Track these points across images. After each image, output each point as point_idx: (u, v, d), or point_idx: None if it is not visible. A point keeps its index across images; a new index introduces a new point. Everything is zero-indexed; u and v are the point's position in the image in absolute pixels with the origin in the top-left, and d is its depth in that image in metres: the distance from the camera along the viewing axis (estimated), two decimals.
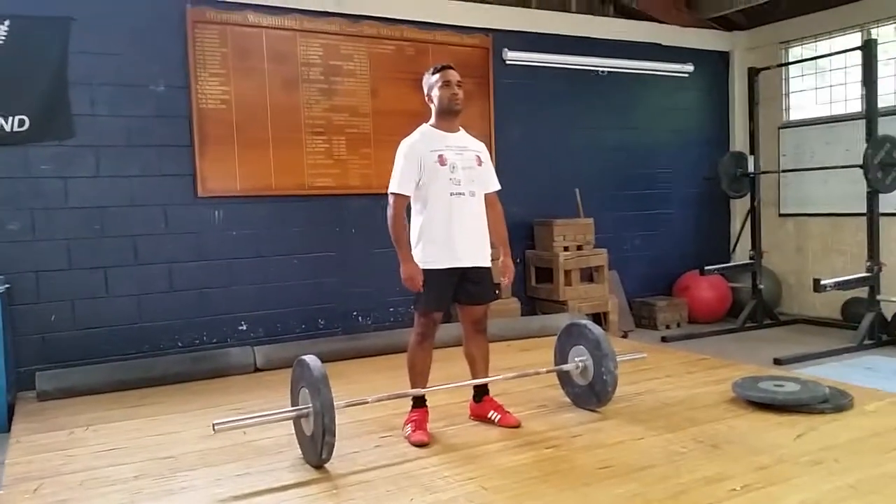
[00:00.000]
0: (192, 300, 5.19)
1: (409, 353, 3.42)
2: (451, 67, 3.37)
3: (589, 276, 6.51)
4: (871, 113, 5.93)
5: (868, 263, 5.94)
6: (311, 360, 3.00)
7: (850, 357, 5.48)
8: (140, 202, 5.01)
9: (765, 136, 7.28)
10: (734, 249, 7.65)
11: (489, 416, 3.49)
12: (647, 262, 7.26)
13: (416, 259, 3.31)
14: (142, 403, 4.21)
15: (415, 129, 3.42)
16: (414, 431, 3.27)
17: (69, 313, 4.82)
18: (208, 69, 5.19)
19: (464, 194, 3.30)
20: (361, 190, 5.72)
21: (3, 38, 4.53)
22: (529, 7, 6.55)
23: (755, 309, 6.84)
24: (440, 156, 3.27)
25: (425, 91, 3.41)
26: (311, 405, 2.93)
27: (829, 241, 7.06)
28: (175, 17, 5.09)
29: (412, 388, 3.40)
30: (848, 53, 6.57)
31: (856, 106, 6.72)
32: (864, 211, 6.02)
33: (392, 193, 3.30)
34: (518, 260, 6.42)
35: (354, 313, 5.77)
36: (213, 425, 2.87)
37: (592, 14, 6.89)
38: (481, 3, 6.26)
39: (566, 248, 6.27)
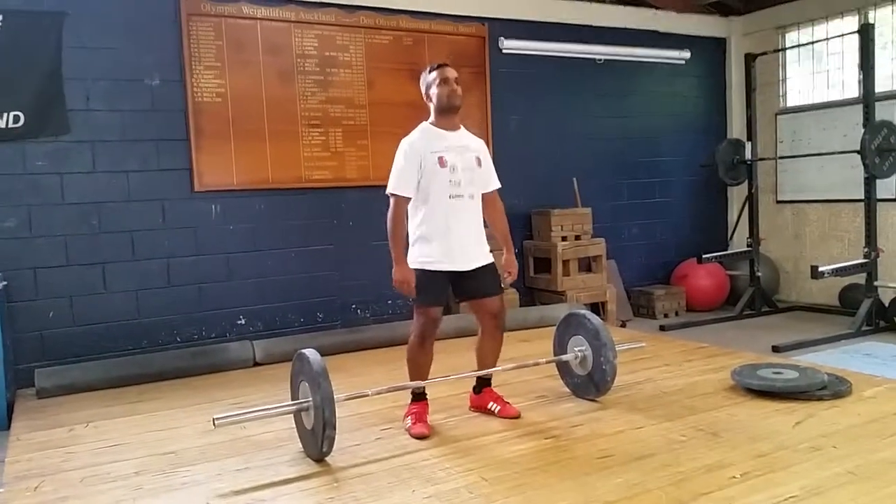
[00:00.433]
0: (190, 295, 5.18)
1: (409, 353, 3.39)
2: (447, 65, 3.35)
3: (587, 265, 6.51)
4: (868, 98, 5.91)
5: (865, 249, 5.94)
6: (310, 353, 3.00)
7: (848, 343, 5.49)
8: (137, 197, 5.00)
9: (762, 122, 7.27)
10: (732, 237, 7.64)
11: (489, 407, 3.50)
12: (644, 250, 7.26)
13: (412, 258, 3.29)
14: (141, 399, 4.21)
15: (412, 122, 3.40)
16: (414, 424, 3.27)
17: (67, 310, 4.81)
18: (203, 62, 5.16)
19: (463, 196, 3.28)
20: (359, 182, 5.71)
21: None
22: None
23: (753, 296, 6.85)
24: (440, 157, 3.23)
25: (423, 90, 3.39)
26: (311, 399, 2.93)
27: (826, 227, 7.06)
28: (169, 11, 5.07)
29: (412, 381, 3.40)
30: (845, 38, 6.54)
31: (853, 91, 6.70)
32: (862, 197, 6.02)
33: (392, 195, 3.26)
34: (517, 250, 6.39)
35: (353, 306, 5.77)
36: (214, 420, 2.87)
37: (589, 1, 6.85)
38: None
39: (564, 238, 6.27)
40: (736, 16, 7.59)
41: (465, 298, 3.42)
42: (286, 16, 5.44)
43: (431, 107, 3.36)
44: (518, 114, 6.45)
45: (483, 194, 3.45)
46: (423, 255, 3.28)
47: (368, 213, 5.42)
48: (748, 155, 6.93)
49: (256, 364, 4.93)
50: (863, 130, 5.80)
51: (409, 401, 3.41)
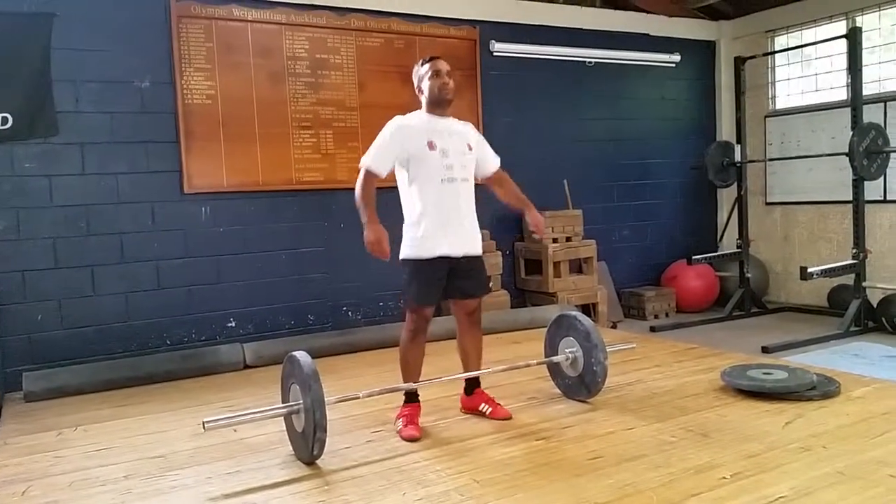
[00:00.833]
0: (179, 297, 5.16)
1: (401, 350, 3.40)
2: (439, 58, 3.35)
3: (578, 267, 6.53)
4: (856, 101, 5.96)
5: (854, 251, 5.99)
6: (301, 356, 2.99)
7: (836, 344, 5.53)
8: (126, 199, 4.97)
9: (751, 125, 7.32)
10: (721, 238, 7.69)
11: (480, 408, 3.50)
12: (635, 252, 7.29)
13: (405, 247, 3.28)
14: (130, 402, 4.18)
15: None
16: (405, 426, 3.27)
17: (56, 313, 4.78)
18: (193, 64, 5.15)
19: (456, 180, 3.27)
20: (350, 184, 5.56)
21: None
22: None
23: (743, 297, 6.89)
24: (429, 141, 3.23)
25: (415, 83, 3.38)
26: (301, 401, 2.91)
27: (815, 228, 7.11)
28: (159, 13, 5.05)
29: (404, 382, 3.39)
30: (833, 42, 6.60)
31: (841, 94, 6.76)
32: (850, 198, 6.07)
33: (364, 168, 3.24)
34: (507, 252, 6.44)
35: (344, 308, 5.76)
36: (204, 423, 2.85)
37: (579, 5, 6.88)
38: None
39: (555, 240, 6.28)
40: (725, 19, 7.64)
41: (450, 296, 3.40)
42: (277, 18, 5.43)
43: (423, 99, 3.36)
44: (509, 116, 6.46)
45: (489, 176, 3.51)
46: (416, 239, 3.25)
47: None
48: (738, 157, 6.97)
49: (247, 367, 4.90)
50: (851, 133, 5.85)
51: (401, 403, 3.40)
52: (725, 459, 2.79)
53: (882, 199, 6.42)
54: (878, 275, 6.30)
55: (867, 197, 6.04)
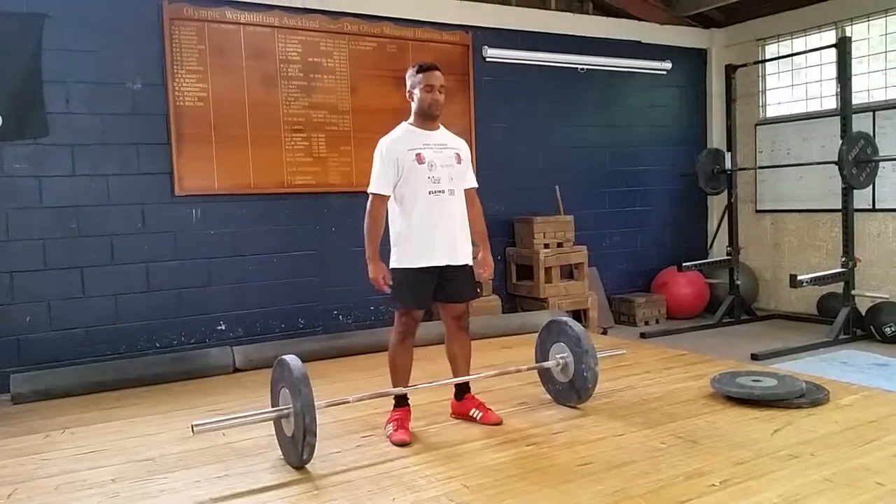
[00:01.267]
0: (169, 300, 5.13)
1: (390, 352, 3.41)
2: (436, 68, 3.33)
3: (569, 273, 6.54)
4: (845, 110, 6.01)
5: (843, 259, 6.02)
6: (291, 359, 2.98)
7: (825, 351, 5.55)
8: (116, 201, 4.95)
9: (742, 132, 7.36)
10: (711, 246, 7.73)
11: (471, 413, 3.49)
12: (625, 258, 7.31)
13: (393, 257, 3.31)
14: (119, 405, 4.16)
15: (395, 127, 3.41)
16: (395, 431, 3.26)
17: (45, 314, 4.75)
18: (185, 66, 5.13)
19: (443, 192, 3.29)
20: (341, 188, 5.70)
21: None
22: (509, 4, 6.56)
23: (732, 304, 6.92)
24: (417, 154, 3.25)
25: (408, 86, 3.38)
26: (291, 405, 2.90)
27: (805, 236, 7.15)
28: (151, 14, 5.03)
29: (394, 387, 3.39)
30: (823, 51, 6.65)
31: (831, 103, 6.81)
32: (840, 207, 6.11)
33: (371, 193, 3.31)
34: (499, 257, 6.44)
35: (335, 312, 5.74)
36: (192, 427, 2.84)
37: (572, 11, 6.91)
38: (462, 0, 6.26)
39: (546, 246, 6.30)
40: (717, 28, 7.69)
41: (438, 298, 3.41)
42: (270, 21, 5.43)
43: (412, 105, 3.37)
44: (501, 121, 6.47)
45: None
46: (404, 252, 3.29)
47: (351, 218, 5.40)
48: (728, 165, 7.00)
49: (236, 370, 4.88)
50: (840, 142, 5.89)
51: (391, 407, 3.40)
52: (714, 466, 2.80)
53: (871, 207, 6.47)
54: (867, 283, 6.35)
55: (856, 205, 6.09)
